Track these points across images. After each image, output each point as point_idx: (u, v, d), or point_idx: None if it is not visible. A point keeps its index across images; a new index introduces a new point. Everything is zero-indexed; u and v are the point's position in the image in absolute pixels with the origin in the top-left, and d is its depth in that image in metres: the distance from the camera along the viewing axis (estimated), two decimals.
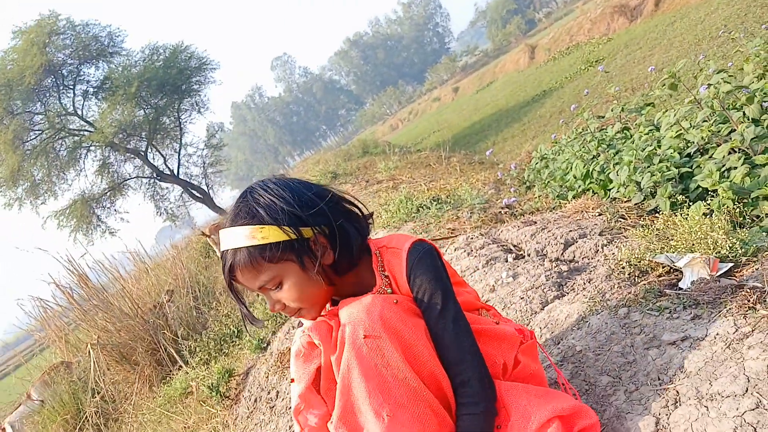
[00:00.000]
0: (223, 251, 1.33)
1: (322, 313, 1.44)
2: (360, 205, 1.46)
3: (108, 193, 21.92)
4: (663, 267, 1.98)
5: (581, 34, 23.30)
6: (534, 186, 4.79)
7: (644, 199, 3.02)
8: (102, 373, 6.12)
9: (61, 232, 20.54)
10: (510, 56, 34.00)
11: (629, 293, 1.85)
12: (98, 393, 6.17)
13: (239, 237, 1.29)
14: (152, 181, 23.73)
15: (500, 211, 4.14)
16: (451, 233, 3.99)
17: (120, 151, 21.32)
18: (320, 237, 1.34)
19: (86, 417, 6.11)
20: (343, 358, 1.28)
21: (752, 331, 1.35)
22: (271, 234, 1.27)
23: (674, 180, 2.79)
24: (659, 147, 3.20)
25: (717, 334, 1.40)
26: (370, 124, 79.42)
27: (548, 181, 4.36)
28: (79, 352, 6.95)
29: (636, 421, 1.30)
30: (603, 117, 4.90)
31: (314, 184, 1.40)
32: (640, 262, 2.05)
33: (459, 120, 22.74)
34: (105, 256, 7.32)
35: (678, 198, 2.68)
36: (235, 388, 4.18)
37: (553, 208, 3.76)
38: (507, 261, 2.71)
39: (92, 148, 21.09)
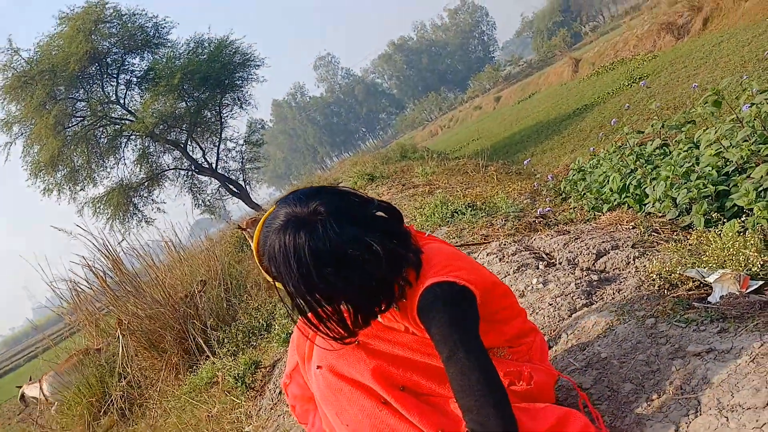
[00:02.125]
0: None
1: None
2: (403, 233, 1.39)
3: (146, 183, 22.32)
4: (693, 281, 1.97)
5: (626, 49, 22.96)
6: (570, 197, 4.77)
7: (679, 215, 2.99)
8: (130, 359, 6.26)
9: (97, 220, 20.96)
10: (554, 68, 33.70)
11: (658, 305, 1.85)
12: (125, 378, 6.32)
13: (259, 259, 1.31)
14: (190, 173, 24.12)
15: (534, 221, 4.14)
16: (484, 239, 4.01)
17: (160, 142, 21.72)
18: (330, 302, 1.32)
19: (111, 400, 6.27)
20: (311, 379, 1.49)
21: None
22: (280, 286, 1.30)
23: (710, 197, 2.77)
24: (697, 164, 3.17)
25: (742, 348, 1.41)
26: (409, 129, 79.50)
27: (584, 193, 4.34)
28: (108, 337, 7.13)
29: (656, 428, 1.32)
30: (642, 132, 4.86)
31: (359, 213, 1.32)
32: (670, 275, 2.04)
33: (499, 129, 22.62)
34: (140, 243, 7.51)
35: (713, 215, 2.66)
36: (261, 380, 4.26)
37: (588, 219, 3.75)
38: (538, 268, 2.72)
39: (132, 137, 21.49)
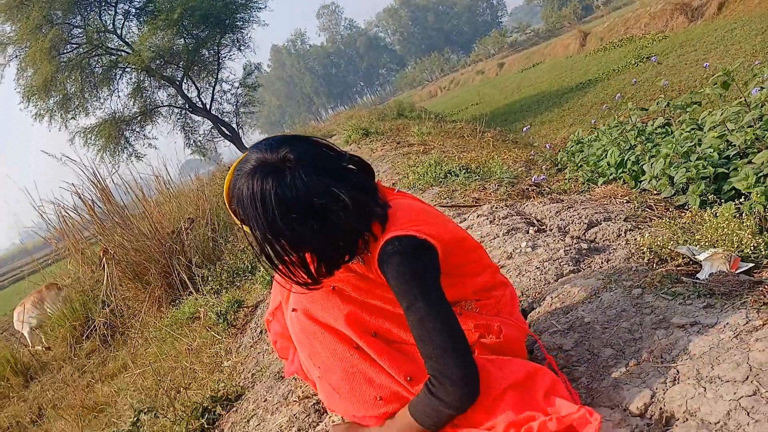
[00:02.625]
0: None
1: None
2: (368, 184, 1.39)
3: (139, 118, 22.09)
4: (683, 258, 1.98)
5: (637, 27, 22.67)
6: (565, 169, 4.77)
7: (675, 194, 3.00)
8: (114, 288, 6.29)
9: (87, 151, 20.76)
10: (561, 40, 33.26)
11: (645, 276, 1.87)
12: (108, 306, 6.37)
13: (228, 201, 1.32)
14: (184, 112, 23.87)
15: (528, 188, 4.13)
16: (476, 202, 4.00)
17: (155, 77, 21.39)
18: (295, 250, 1.31)
19: (94, 326, 6.33)
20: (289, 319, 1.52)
21: (763, 324, 1.37)
22: (248, 230, 1.31)
23: (708, 179, 2.77)
24: (699, 145, 3.17)
25: (727, 324, 1.42)
26: (408, 88, 78.58)
27: (581, 165, 4.34)
28: (93, 266, 7.15)
29: (632, 392, 1.33)
30: (646, 110, 4.83)
31: (330, 164, 1.31)
32: (661, 249, 2.05)
33: (499, 97, 22.44)
34: (131, 174, 7.46)
35: (709, 197, 2.67)
36: (243, 319, 4.29)
37: (582, 191, 3.75)
38: (528, 233, 2.73)
39: (128, 70, 21.15)
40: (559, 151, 5.67)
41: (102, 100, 21.06)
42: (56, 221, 6.95)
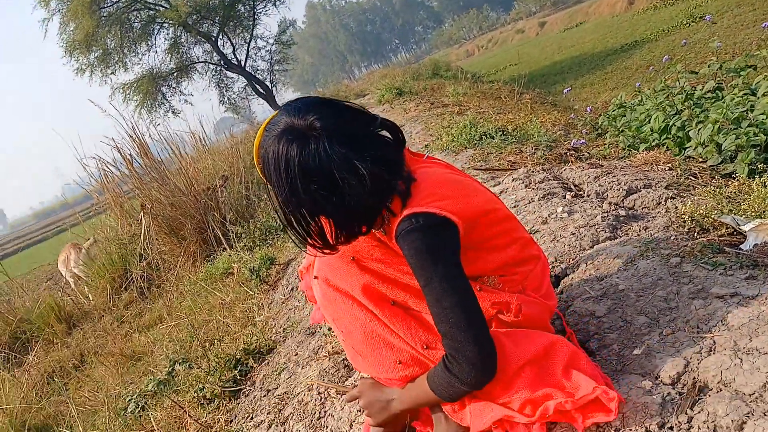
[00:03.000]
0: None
1: None
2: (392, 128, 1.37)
3: (175, 74, 22.27)
4: (726, 228, 1.93)
5: None
6: (606, 134, 4.64)
7: (722, 161, 2.90)
8: (151, 241, 6.45)
9: (126, 106, 21.07)
10: None
11: (685, 245, 1.82)
12: (145, 259, 6.54)
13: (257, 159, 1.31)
14: (219, 68, 23.96)
15: (566, 152, 4.05)
16: (511, 166, 3.94)
17: (192, 33, 21.44)
18: (313, 217, 1.31)
19: (131, 279, 6.52)
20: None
21: None
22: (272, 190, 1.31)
23: (759, 147, 2.66)
24: (751, 111, 3.03)
25: None
26: (445, 46, 77.04)
27: (622, 130, 4.21)
28: (131, 220, 7.32)
29: (665, 360, 1.31)
30: (696, 73, 4.64)
31: (356, 133, 1.29)
32: (703, 218, 2.00)
33: (539, 57, 21.87)
34: (167, 131, 7.55)
35: (758, 166, 2.57)
36: (275, 276, 4.36)
37: (622, 157, 3.65)
38: (564, 197, 2.68)
39: (165, 25, 21.24)
40: (600, 115, 5.51)
41: (140, 56, 21.29)
42: (97, 175, 7.11)
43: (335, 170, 1.22)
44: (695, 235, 1.95)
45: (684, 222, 2.04)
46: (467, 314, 1.23)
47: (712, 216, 2.00)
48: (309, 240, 1.33)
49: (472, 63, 32.65)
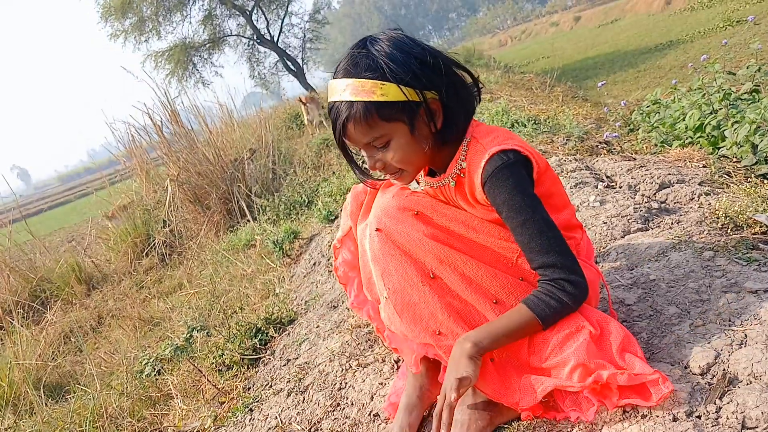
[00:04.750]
0: (335, 102, 1.30)
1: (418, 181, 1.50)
2: (471, 72, 1.41)
3: (207, 45, 22.33)
4: (761, 227, 1.90)
5: None
6: (638, 129, 4.57)
7: (756, 162, 2.84)
8: (175, 208, 6.52)
9: (157, 74, 21.20)
10: None
11: (719, 240, 1.80)
12: (168, 226, 6.62)
13: (357, 90, 1.26)
14: (251, 42, 23.96)
15: (597, 145, 4.00)
16: (543, 154, 3.91)
17: (227, 5, 21.45)
18: (435, 102, 1.32)
19: (153, 244, 6.60)
20: (360, 241, 1.59)
21: None
22: (391, 92, 1.26)
23: None
24: None
25: None
26: (478, 35, 76.21)
27: (656, 126, 4.15)
28: (157, 186, 7.40)
29: (695, 351, 1.30)
30: (734, 74, 4.55)
31: (429, 46, 1.35)
32: (737, 216, 1.96)
33: (572, 51, 21.56)
34: (198, 101, 7.60)
35: None
36: (297, 250, 4.39)
37: (654, 153, 3.60)
38: (597, 187, 2.66)
39: None
40: (633, 110, 5.44)
41: (174, 25, 21.34)
42: (126, 140, 7.18)
43: (443, 66, 1.31)
44: (729, 231, 1.92)
45: (718, 218, 2.01)
46: (566, 245, 1.30)
47: (747, 213, 1.98)
48: (418, 130, 1.33)
49: (505, 53, 32.28)
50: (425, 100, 1.30)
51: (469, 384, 1.22)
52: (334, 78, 1.33)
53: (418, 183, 1.56)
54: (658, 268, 1.72)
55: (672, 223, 2.08)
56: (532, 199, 1.28)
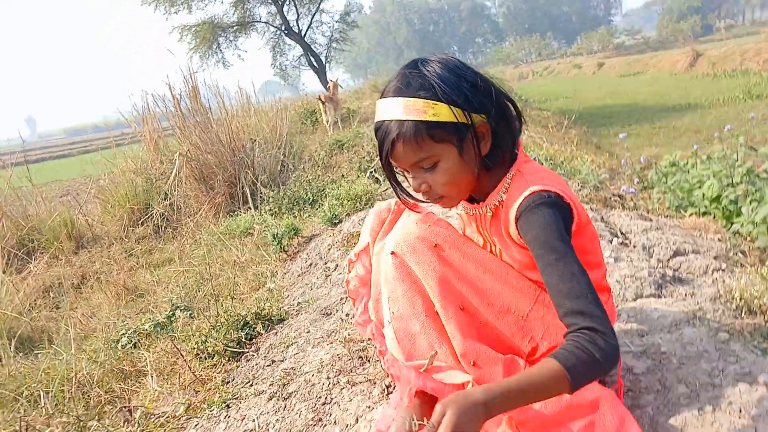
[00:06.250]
0: (384, 121, 1.28)
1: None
2: (515, 103, 1.39)
3: (235, 27, 22.36)
4: None
5: (755, 60, 21.38)
6: (652, 187, 4.56)
7: None
8: (179, 182, 6.46)
9: (180, 47, 21.23)
10: (670, 54, 31.70)
11: (734, 323, 1.77)
12: (169, 199, 6.55)
13: (409, 109, 1.24)
14: (278, 32, 24.03)
15: (611, 197, 3.99)
16: None
17: None
18: (484, 125, 1.30)
19: (150, 215, 6.53)
20: (375, 259, 1.57)
21: None
22: (443, 112, 1.23)
23: None
24: None
25: None
26: (501, 64, 76.66)
27: (673, 189, 4.14)
28: (163, 157, 7.32)
29: None
30: (756, 151, 4.55)
31: (478, 71, 1.33)
32: (753, 300, 1.94)
33: (592, 97, 21.67)
34: (216, 82, 7.55)
35: None
36: (296, 247, 4.33)
37: (668, 216, 3.58)
38: (611, 242, 2.63)
39: None
40: (647, 167, 5.43)
41: (206, 2, 21.36)
42: (141, 107, 7.11)
43: (494, 92, 1.30)
44: (743, 314, 1.90)
45: (733, 298, 1.98)
46: (598, 298, 1.16)
47: (763, 299, 1.95)
48: (472, 150, 1.30)
49: (525, 86, 32.46)
50: (473, 124, 1.28)
51: None
52: (383, 97, 1.31)
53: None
54: (670, 340, 1.69)
55: (686, 295, 2.05)
56: (565, 242, 1.20)
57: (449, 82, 1.24)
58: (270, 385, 2.13)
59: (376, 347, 1.62)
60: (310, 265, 3.75)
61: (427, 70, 1.27)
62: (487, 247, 1.48)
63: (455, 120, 1.24)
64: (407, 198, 1.47)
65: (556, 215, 1.22)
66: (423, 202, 1.45)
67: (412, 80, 1.27)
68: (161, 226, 6.34)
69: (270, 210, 5.43)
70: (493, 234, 1.41)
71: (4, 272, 5.39)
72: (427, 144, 1.25)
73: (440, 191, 1.33)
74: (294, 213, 5.34)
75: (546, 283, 1.21)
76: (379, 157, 1.34)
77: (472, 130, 1.28)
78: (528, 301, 1.35)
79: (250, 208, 5.74)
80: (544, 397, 1.11)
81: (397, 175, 1.43)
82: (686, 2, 67.78)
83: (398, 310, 1.40)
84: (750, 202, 3.28)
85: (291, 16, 23.09)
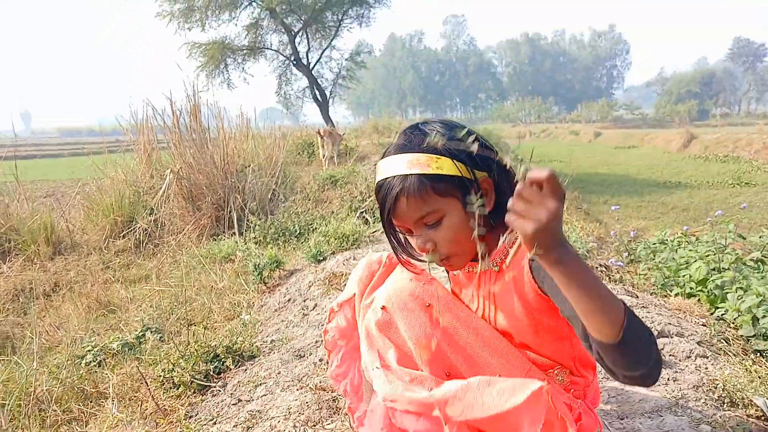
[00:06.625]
0: (386, 178, 1.25)
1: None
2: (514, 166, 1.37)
3: (245, 51, 22.63)
4: (757, 409, 1.83)
5: (747, 149, 21.83)
6: (640, 263, 4.56)
7: (755, 336, 2.80)
8: (167, 200, 6.39)
9: (188, 63, 21.37)
10: (666, 133, 32.35)
11: (716, 415, 1.72)
12: (154, 214, 6.46)
13: (412, 163, 1.22)
14: (287, 62, 24.34)
15: (598, 267, 3.97)
16: None
17: (276, 19, 21.83)
18: (487, 181, 1.27)
19: (133, 228, 6.43)
20: (362, 313, 1.50)
21: None
22: (446, 166, 1.21)
23: None
24: None
25: None
26: (501, 121, 78.02)
27: (660, 267, 4.14)
28: (153, 171, 7.25)
29: None
30: (745, 238, 4.58)
31: (477, 132, 1.30)
32: (735, 393, 1.90)
33: (585, 164, 21.98)
34: (217, 102, 7.55)
35: None
36: (276, 280, 4.26)
37: (653, 293, 3.57)
38: None
39: (254, 3, 21.66)
40: (634, 240, 5.45)
41: (220, 23, 21.63)
42: (139, 117, 7.08)
43: (494, 151, 1.26)
44: (724, 405, 1.85)
45: (715, 388, 1.94)
46: None
47: (745, 392, 1.91)
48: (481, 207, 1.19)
49: (521, 146, 32.88)
50: (476, 179, 1.25)
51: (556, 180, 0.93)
52: (384, 157, 1.29)
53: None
54: (650, 427, 1.63)
55: (668, 380, 2.01)
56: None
57: (451, 138, 1.22)
58: (234, 426, 2.04)
59: (346, 403, 1.54)
60: (289, 300, 3.68)
61: (428, 128, 1.27)
62: (481, 312, 1.41)
63: (459, 174, 1.22)
64: (412, 260, 1.42)
65: None
66: (424, 261, 1.40)
67: (414, 138, 1.26)
68: (143, 242, 6.24)
69: (255, 238, 5.36)
70: (496, 288, 1.34)
71: None
72: (431, 198, 1.22)
73: (445, 250, 1.28)
74: (279, 244, 5.28)
75: (570, 317, 1.11)
76: (380, 218, 1.31)
77: (475, 185, 1.25)
78: (518, 374, 1.30)
79: (234, 234, 5.67)
80: (597, 304, 0.96)
81: (399, 234, 1.39)
82: (686, 86, 69.74)
83: (382, 366, 1.33)
84: (736, 290, 3.28)
85: (302, 48, 23.46)
